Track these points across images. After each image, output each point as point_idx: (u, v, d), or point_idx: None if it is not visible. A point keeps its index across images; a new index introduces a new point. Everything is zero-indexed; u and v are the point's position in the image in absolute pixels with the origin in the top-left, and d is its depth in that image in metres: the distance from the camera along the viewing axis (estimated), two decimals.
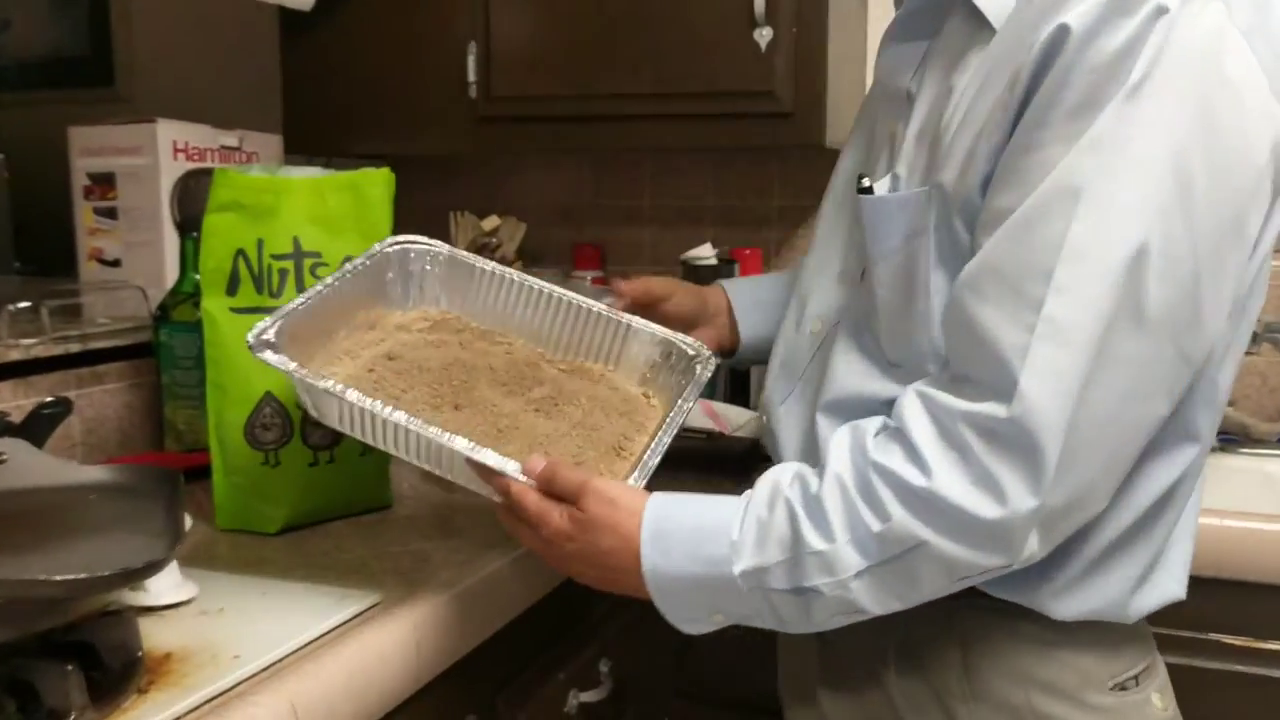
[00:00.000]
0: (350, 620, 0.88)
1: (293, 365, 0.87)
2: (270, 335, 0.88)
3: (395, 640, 0.87)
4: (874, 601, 0.79)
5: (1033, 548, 0.76)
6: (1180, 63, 0.72)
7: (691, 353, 1.06)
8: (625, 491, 0.86)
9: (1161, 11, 0.71)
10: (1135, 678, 0.89)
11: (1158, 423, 0.78)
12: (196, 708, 0.73)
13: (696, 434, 1.44)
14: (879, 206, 0.87)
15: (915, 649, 0.91)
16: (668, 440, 0.94)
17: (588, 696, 1.19)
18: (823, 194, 1.06)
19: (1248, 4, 0.74)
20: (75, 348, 1.28)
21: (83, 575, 0.69)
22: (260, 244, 1.07)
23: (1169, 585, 0.88)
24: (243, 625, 0.86)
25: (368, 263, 1.03)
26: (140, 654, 0.77)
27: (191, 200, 1.46)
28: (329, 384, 0.87)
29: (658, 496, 0.86)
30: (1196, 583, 0.92)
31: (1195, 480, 0.88)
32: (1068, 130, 0.73)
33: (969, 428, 0.74)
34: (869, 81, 1.82)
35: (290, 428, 1.10)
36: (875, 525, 0.77)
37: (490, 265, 1.10)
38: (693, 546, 0.83)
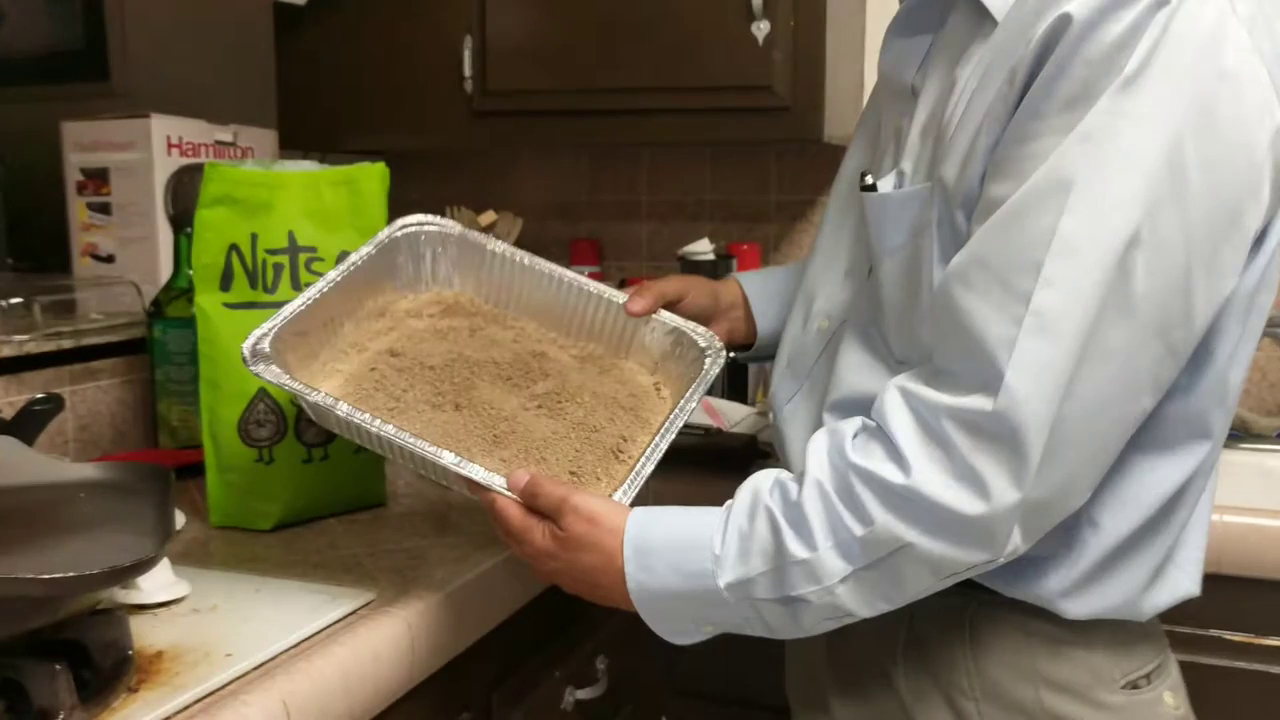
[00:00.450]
0: (344, 618, 0.87)
1: (285, 378, 0.87)
2: (265, 345, 0.88)
3: (389, 638, 0.86)
4: (861, 604, 0.79)
5: (1015, 542, 0.75)
6: (1177, 54, 0.71)
7: (703, 344, 1.05)
8: (606, 508, 0.85)
9: (1162, 2, 0.70)
10: (1147, 676, 0.88)
11: (1142, 416, 0.78)
12: (187, 706, 0.73)
13: (694, 430, 1.43)
14: (883, 204, 0.86)
15: (924, 648, 0.90)
16: (665, 445, 0.93)
17: (584, 694, 1.19)
18: (821, 188, 1.05)
19: None
20: (68, 344, 1.28)
21: (70, 574, 0.68)
22: (254, 239, 1.06)
23: (1182, 582, 0.88)
24: (235, 623, 0.85)
25: (374, 251, 1.02)
26: (131, 652, 0.76)
27: (185, 195, 1.45)
28: (319, 396, 0.86)
29: (638, 512, 0.85)
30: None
31: (1207, 478, 0.87)
32: (1062, 121, 0.73)
33: (952, 422, 0.73)
34: (868, 75, 1.81)
35: (284, 424, 1.09)
36: (858, 529, 0.76)
37: (501, 247, 1.09)
38: (676, 561, 0.82)
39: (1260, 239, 0.78)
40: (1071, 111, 0.72)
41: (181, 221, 1.41)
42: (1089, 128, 0.71)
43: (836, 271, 0.98)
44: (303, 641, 0.83)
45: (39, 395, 0.95)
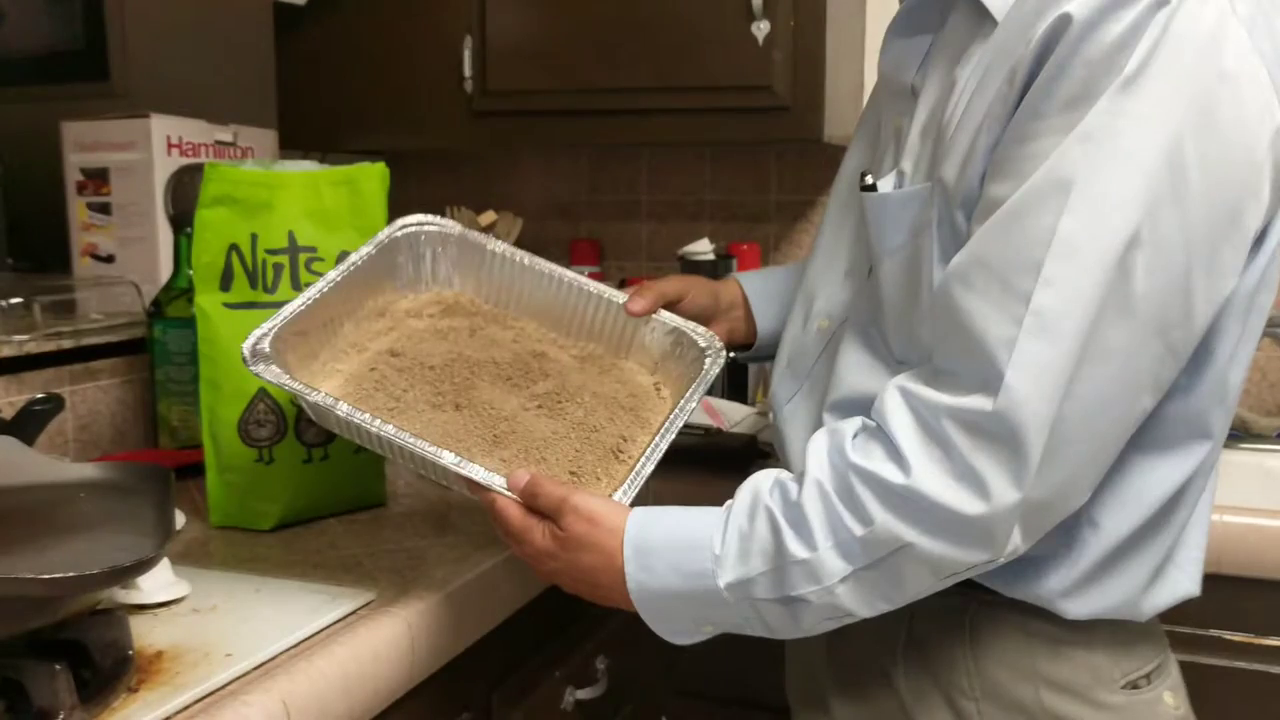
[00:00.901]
0: (344, 618, 0.87)
1: (285, 378, 0.87)
2: (265, 345, 0.88)
3: (389, 638, 0.86)
4: (861, 604, 0.79)
5: (1015, 542, 0.75)
6: (1177, 55, 0.71)
7: (703, 344, 1.05)
8: (606, 508, 0.85)
9: (1162, 3, 0.70)
10: (1147, 676, 0.88)
11: (1142, 416, 0.78)
12: (187, 706, 0.73)
13: (694, 430, 1.43)
14: (882, 204, 0.86)
15: (924, 648, 0.90)
16: (665, 445, 0.93)
17: (584, 694, 1.19)
18: (821, 188, 1.05)
19: None
20: (68, 344, 1.28)
21: (70, 574, 0.68)
22: (254, 239, 1.06)
23: (1182, 582, 0.88)
24: (235, 623, 0.85)
25: (374, 251, 1.02)
26: (131, 652, 0.76)
27: (185, 195, 1.45)
28: (319, 396, 0.86)
29: (638, 512, 0.85)
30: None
31: (1207, 478, 0.87)
32: (1061, 122, 0.73)
33: (952, 422, 0.73)
34: (868, 75, 1.81)
35: (284, 424, 1.09)
36: (858, 529, 0.76)
37: (501, 246, 1.09)
38: (676, 561, 0.82)
39: (1260, 239, 0.78)
40: (1071, 111, 0.72)
41: (181, 221, 1.41)
42: (1089, 128, 0.71)
43: (837, 271, 0.98)
44: (303, 641, 0.83)
45: (39, 395, 0.95)
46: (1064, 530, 0.81)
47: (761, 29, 1.57)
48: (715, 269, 1.73)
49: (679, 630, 0.85)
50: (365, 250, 1.01)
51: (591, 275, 1.12)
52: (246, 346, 0.87)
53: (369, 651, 0.84)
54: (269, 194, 1.06)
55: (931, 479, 0.73)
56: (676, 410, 0.97)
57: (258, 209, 1.06)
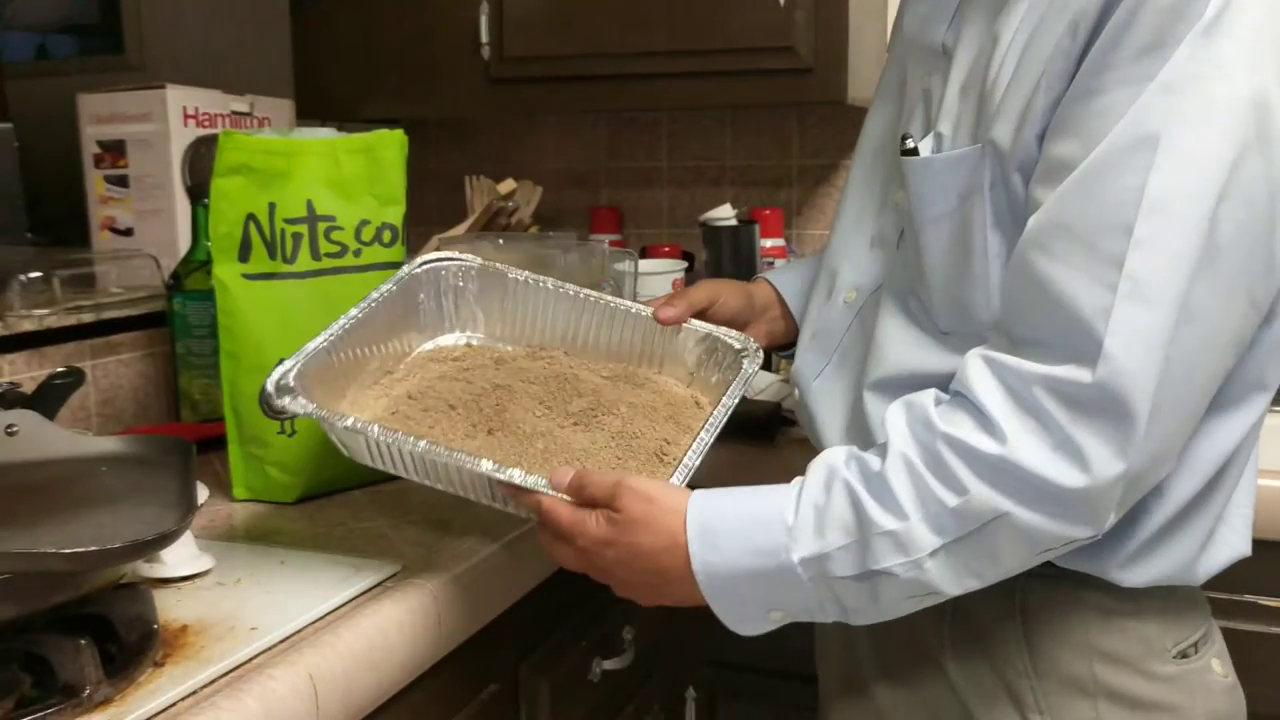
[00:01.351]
0: (369, 590, 0.86)
1: (311, 406, 0.84)
2: (290, 380, 0.86)
3: (416, 610, 0.85)
4: (950, 581, 0.75)
5: (1111, 519, 0.72)
6: None
7: (738, 346, 1.03)
8: (663, 488, 0.81)
9: None
10: (1195, 644, 0.86)
11: (1225, 375, 0.75)
12: (213, 680, 0.72)
13: None
14: (926, 168, 0.82)
15: (972, 626, 0.87)
16: (710, 439, 0.90)
17: (611, 664, 1.18)
18: (844, 151, 1.03)
19: None
20: (88, 318, 1.27)
21: (93, 548, 0.67)
22: (272, 208, 1.04)
23: (1235, 543, 0.85)
24: (260, 596, 0.84)
25: (394, 288, 1.00)
26: (156, 627, 0.76)
27: (202, 166, 1.43)
28: (349, 421, 0.84)
29: (699, 492, 0.81)
30: None
31: (1257, 434, 0.85)
32: (1134, 72, 0.70)
33: (1046, 392, 0.70)
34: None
35: None
36: (951, 500, 0.72)
37: (523, 274, 1.07)
38: (745, 538, 0.77)
39: None
40: (1145, 62, 0.69)
41: (199, 193, 1.40)
42: (1171, 78, 0.68)
43: (862, 241, 0.95)
44: (328, 614, 0.82)
45: (60, 369, 0.94)
46: None
47: None
48: (737, 235, 1.71)
49: (746, 617, 0.80)
50: (386, 287, 0.99)
51: (612, 244, 1.11)
52: (270, 382, 0.85)
53: (395, 624, 0.83)
54: (286, 162, 1.05)
55: (1028, 449, 0.70)
56: (720, 409, 0.94)
57: (275, 178, 1.05)
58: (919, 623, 0.88)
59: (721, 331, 1.05)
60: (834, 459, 0.78)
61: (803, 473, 0.80)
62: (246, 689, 0.70)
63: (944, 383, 0.78)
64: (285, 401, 0.84)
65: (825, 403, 0.94)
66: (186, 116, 1.46)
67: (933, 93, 0.86)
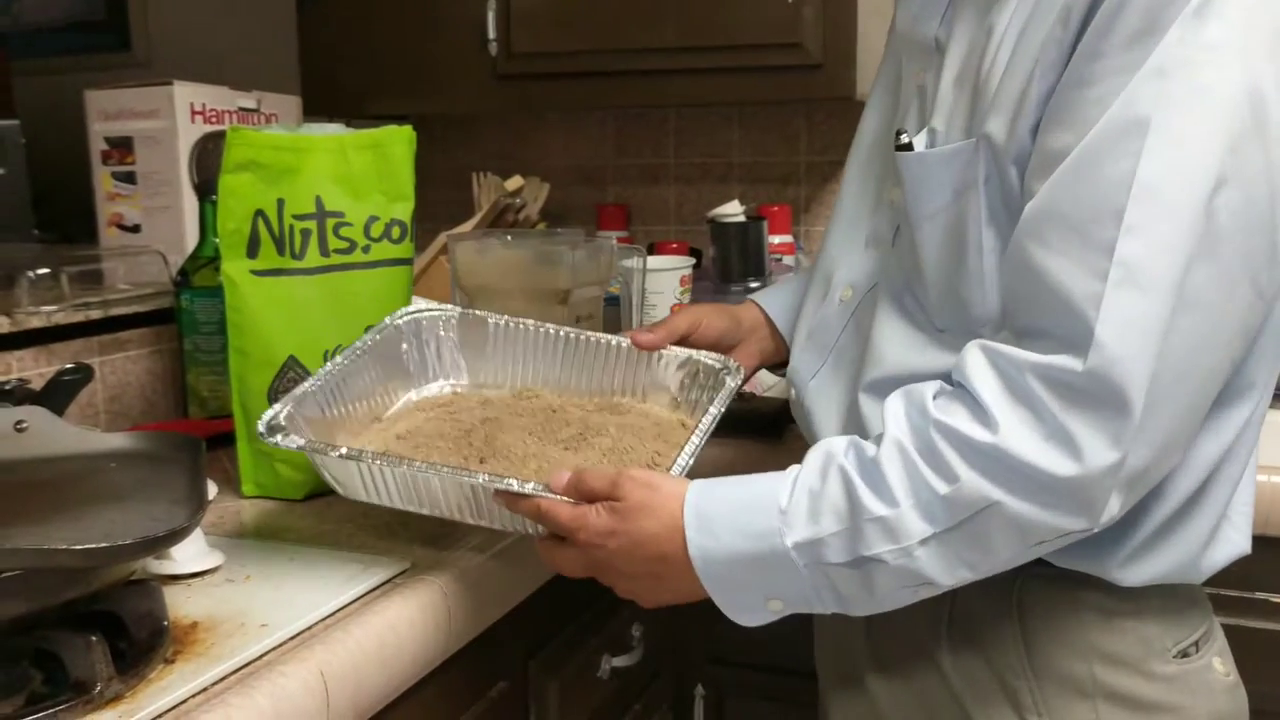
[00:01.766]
0: (379, 587, 0.86)
1: (301, 440, 0.85)
2: (281, 419, 0.87)
3: (426, 606, 0.85)
4: (942, 571, 0.74)
5: (1114, 510, 0.72)
6: None
7: (718, 366, 1.04)
8: (663, 476, 0.82)
9: None
10: (1196, 643, 0.86)
11: (1233, 366, 0.74)
12: (224, 677, 0.72)
13: None
14: (921, 164, 0.82)
15: (969, 624, 0.87)
16: (702, 441, 0.91)
17: (620, 661, 1.18)
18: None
19: None
20: (96, 314, 1.27)
21: (103, 544, 0.67)
22: (281, 204, 1.04)
23: (1236, 540, 0.85)
24: (270, 593, 0.84)
25: (378, 337, 1.01)
26: (166, 623, 0.76)
27: (210, 163, 1.44)
28: (341, 450, 0.84)
29: (698, 480, 0.81)
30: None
31: (1258, 430, 0.84)
32: (1126, 59, 0.69)
33: (1039, 381, 0.70)
34: None
35: None
36: (942, 488, 0.72)
37: (503, 319, 1.08)
38: (740, 522, 0.78)
39: None
40: (1136, 48, 0.69)
41: (206, 189, 1.40)
42: (1161, 63, 0.68)
43: (858, 239, 0.95)
44: (338, 611, 0.82)
45: (68, 366, 0.94)
46: None
47: None
48: (745, 231, 1.70)
49: (746, 605, 0.80)
50: (368, 338, 1.00)
51: (620, 240, 1.11)
52: (263, 423, 0.86)
53: (405, 620, 0.83)
54: (294, 158, 1.05)
55: (1020, 439, 0.70)
56: (707, 417, 0.95)
57: (283, 174, 1.04)
58: (917, 621, 0.88)
59: (701, 354, 1.06)
60: (833, 446, 0.78)
61: None
62: (257, 686, 0.70)
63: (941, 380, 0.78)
64: (277, 439, 0.85)
65: (821, 402, 0.94)
66: (194, 113, 1.46)
67: (927, 88, 0.85)
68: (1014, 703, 0.85)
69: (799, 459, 0.80)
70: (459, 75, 1.75)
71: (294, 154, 1.04)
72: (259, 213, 1.04)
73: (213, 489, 1.08)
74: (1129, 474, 0.70)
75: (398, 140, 1.10)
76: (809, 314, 0.99)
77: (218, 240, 1.08)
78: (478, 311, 1.08)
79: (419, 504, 0.87)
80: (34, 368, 1.18)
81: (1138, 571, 0.81)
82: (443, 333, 1.07)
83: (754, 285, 1.68)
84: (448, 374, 1.08)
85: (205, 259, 1.28)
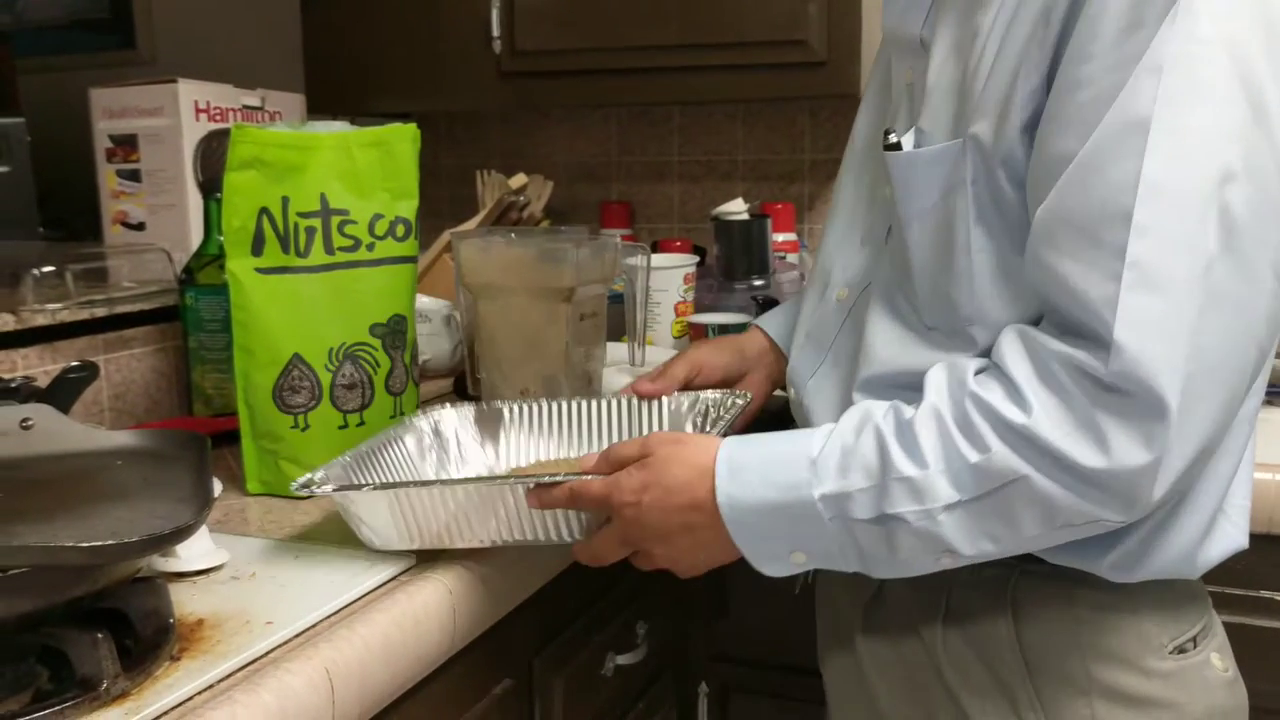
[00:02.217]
0: (384, 585, 0.86)
1: (329, 486, 0.87)
2: (315, 481, 0.88)
3: (431, 604, 0.85)
4: (964, 540, 0.74)
5: (1150, 507, 0.71)
6: None
7: (721, 395, 1.08)
8: (694, 435, 0.85)
9: None
10: (1194, 639, 0.86)
11: (1263, 356, 0.74)
12: (230, 674, 0.72)
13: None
14: (910, 163, 0.82)
15: (965, 621, 0.87)
16: (726, 425, 0.95)
17: (624, 659, 1.18)
18: None
19: None
20: (101, 312, 1.27)
21: (110, 542, 0.67)
22: (285, 202, 1.04)
23: (1233, 534, 0.84)
24: (275, 590, 0.84)
25: (399, 432, 1.03)
26: (172, 621, 0.76)
27: (214, 161, 1.43)
28: (368, 487, 0.86)
29: (732, 438, 0.82)
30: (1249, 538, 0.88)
31: (1251, 423, 0.84)
32: (1118, 57, 0.69)
33: (1066, 371, 0.70)
34: None
35: (319, 390, 1.08)
36: (973, 457, 0.72)
37: (517, 405, 1.11)
38: (770, 471, 0.78)
39: None
40: (1126, 45, 0.69)
41: (211, 187, 1.39)
42: (1156, 60, 0.68)
43: (853, 238, 0.95)
44: (344, 608, 0.82)
45: (74, 363, 0.94)
46: None
47: None
48: (749, 229, 1.70)
49: (769, 555, 0.80)
50: (392, 431, 1.03)
51: (624, 238, 1.11)
52: (296, 484, 0.88)
53: (410, 618, 0.83)
54: (299, 156, 1.05)
55: (1052, 423, 0.70)
56: (722, 423, 0.99)
57: (288, 171, 1.04)
58: (913, 617, 0.89)
59: (705, 395, 1.09)
60: (873, 407, 0.79)
61: None
62: (263, 683, 0.70)
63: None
64: (311, 489, 0.87)
65: (820, 401, 0.95)
66: (198, 111, 1.46)
67: (915, 87, 0.86)
68: (1010, 699, 0.85)
69: None
70: (463, 73, 1.75)
71: (299, 152, 1.04)
72: (264, 210, 1.04)
73: (218, 486, 1.08)
74: (1170, 474, 0.70)
75: (402, 138, 1.10)
76: (807, 314, 0.99)
77: (222, 238, 1.08)
78: (495, 403, 1.11)
79: (454, 533, 0.88)
80: (39, 365, 1.18)
81: (1132, 569, 0.81)
82: (460, 427, 1.09)
83: (757, 283, 1.68)
84: (470, 461, 1.10)
85: (210, 257, 1.28)
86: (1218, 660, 0.87)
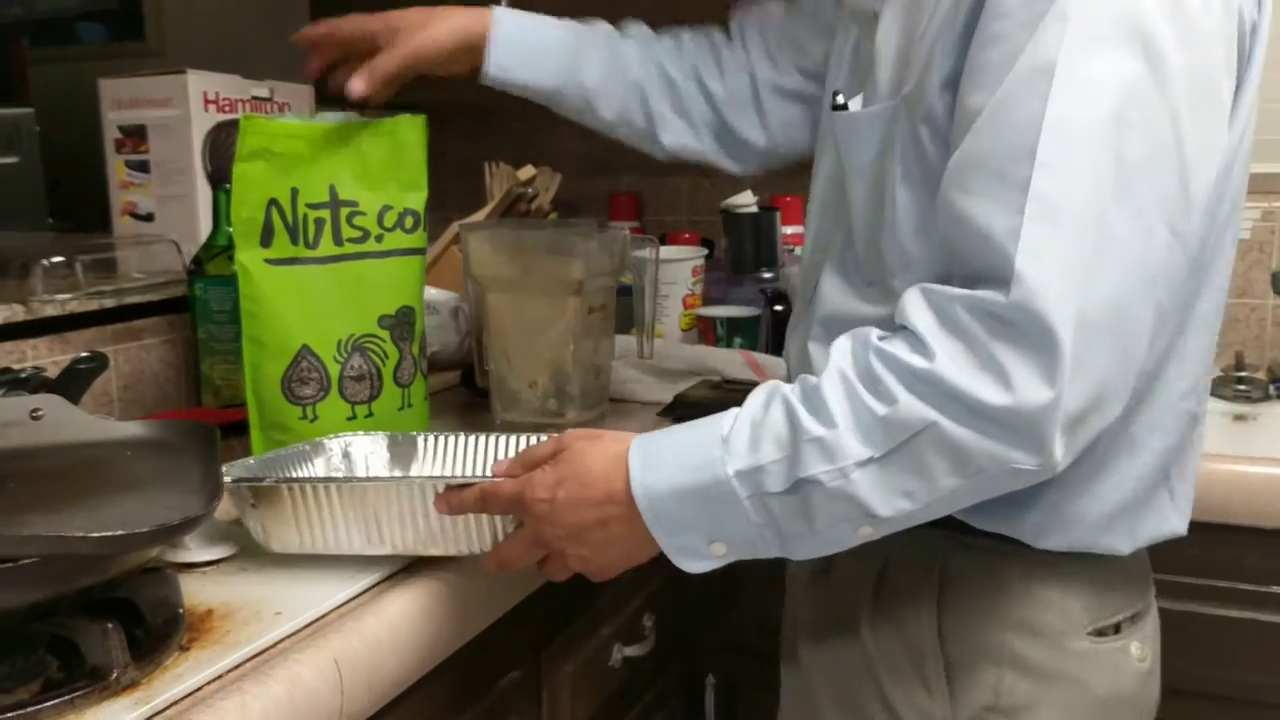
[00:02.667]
0: (393, 576, 0.86)
1: (227, 479, 0.83)
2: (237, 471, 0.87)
3: (439, 595, 0.85)
4: (881, 500, 0.73)
5: (1058, 453, 0.71)
6: None
7: None
8: (612, 431, 0.83)
9: None
10: (1117, 625, 0.87)
11: (1161, 314, 0.75)
12: (239, 665, 0.72)
13: (739, 385, 1.41)
14: (850, 123, 0.86)
15: (893, 598, 0.88)
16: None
17: (632, 650, 1.18)
18: None
19: None
20: (110, 303, 1.27)
21: (120, 532, 0.67)
22: (294, 193, 1.04)
23: (1172, 519, 0.86)
24: (284, 581, 0.84)
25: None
26: (182, 611, 0.76)
27: (223, 152, 1.44)
28: (270, 481, 0.84)
29: (644, 434, 0.82)
30: (1244, 531, 0.87)
31: (1195, 410, 0.86)
32: (1030, 14, 0.71)
33: (967, 311, 0.71)
34: None
35: (328, 381, 1.08)
36: (880, 409, 0.72)
37: (434, 436, 1.06)
38: (683, 455, 0.77)
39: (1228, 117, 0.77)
40: (1038, 2, 0.71)
41: (220, 178, 1.40)
42: (1060, 8, 0.70)
43: (820, 200, 0.98)
44: (352, 599, 0.82)
45: (83, 354, 0.94)
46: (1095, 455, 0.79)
47: None
48: (758, 222, 1.70)
49: (688, 547, 0.78)
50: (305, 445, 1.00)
51: (632, 230, 1.11)
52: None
53: (419, 609, 0.83)
54: (308, 147, 1.05)
55: (956, 366, 0.70)
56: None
57: (297, 162, 1.04)
58: (847, 595, 0.90)
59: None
60: (779, 384, 0.79)
61: None
62: (272, 673, 0.71)
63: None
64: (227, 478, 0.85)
65: (794, 347, 0.98)
66: (207, 102, 1.46)
67: (862, 53, 0.89)
68: (920, 677, 0.87)
69: None
70: None
71: (307, 143, 1.04)
72: (273, 201, 1.04)
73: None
74: (1067, 416, 0.70)
75: (411, 129, 1.10)
76: (800, 280, 1.03)
77: (231, 229, 1.08)
78: (409, 435, 1.06)
79: (363, 541, 0.85)
80: (49, 356, 1.18)
81: (1052, 533, 0.82)
82: (371, 452, 1.04)
83: (766, 276, 1.68)
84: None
85: (219, 248, 1.28)
86: (1136, 650, 0.88)
